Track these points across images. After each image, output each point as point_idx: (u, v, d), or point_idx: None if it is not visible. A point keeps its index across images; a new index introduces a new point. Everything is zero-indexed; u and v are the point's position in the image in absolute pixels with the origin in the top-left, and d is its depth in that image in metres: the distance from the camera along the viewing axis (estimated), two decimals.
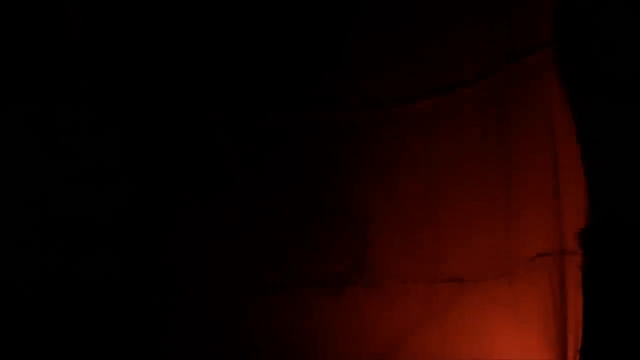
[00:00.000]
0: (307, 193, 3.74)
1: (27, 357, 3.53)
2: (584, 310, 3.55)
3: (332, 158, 3.73)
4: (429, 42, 3.66)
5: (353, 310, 3.76)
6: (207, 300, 3.71)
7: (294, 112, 3.70)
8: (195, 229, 3.68)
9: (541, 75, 3.66)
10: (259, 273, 3.73)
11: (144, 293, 3.65)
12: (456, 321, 3.76)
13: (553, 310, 3.72)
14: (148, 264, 3.67)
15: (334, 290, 3.76)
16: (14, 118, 3.56)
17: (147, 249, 3.66)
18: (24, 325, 3.54)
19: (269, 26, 3.64)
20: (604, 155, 3.55)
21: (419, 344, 3.75)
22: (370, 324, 3.76)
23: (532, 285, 3.74)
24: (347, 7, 3.64)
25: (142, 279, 3.66)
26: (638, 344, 3.45)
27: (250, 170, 3.70)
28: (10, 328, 3.53)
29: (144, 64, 3.62)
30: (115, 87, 3.61)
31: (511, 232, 3.73)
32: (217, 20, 3.63)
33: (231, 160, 3.69)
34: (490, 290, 3.74)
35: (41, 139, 3.58)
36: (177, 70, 3.65)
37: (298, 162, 3.73)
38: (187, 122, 3.66)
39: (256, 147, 3.70)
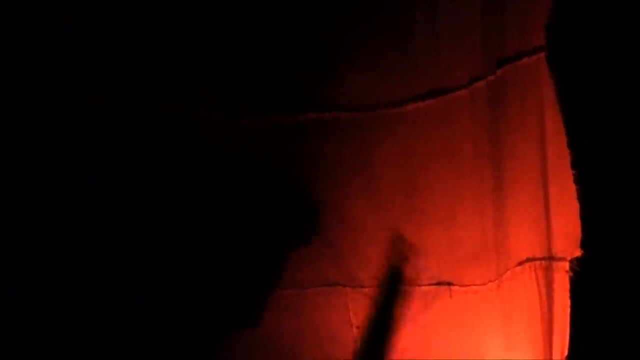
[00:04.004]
0: (294, 194, 3.65)
1: None
2: (571, 318, 3.63)
3: (318, 160, 3.67)
4: (423, 47, 3.63)
5: (340, 312, 3.68)
6: (204, 304, 3.62)
7: (284, 114, 3.60)
8: (190, 229, 3.58)
9: (533, 80, 3.67)
10: (252, 275, 3.61)
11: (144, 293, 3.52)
12: (443, 324, 3.76)
13: (540, 315, 3.75)
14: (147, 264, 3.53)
15: (320, 291, 3.67)
16: None
17: (145, 247, 3.57)
18: None
19: (258, 27, 3.55)
20: (595, 162, 3.63)
21: (402, 344, 3.72)
22: (355, 325, 3.70)
23: (520, 290, 3.77)
24: (340, 9, 3.57)
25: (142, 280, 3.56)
26: (625, 351, 3.55)
27: (239, 171, 3.58)
28: None
29: (139, 64, 3.47)
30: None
31: (500, 236, 3.74)
32: (206, 23, 3.51)
33: (219, 159, 3.55)
34: (478, 294, 3.74)
35: None
36: (168, 70, 3.52)
37: (286, 164, 3.64)
38: (178, 122, 3.54)
39: (244, 148, 3.57)
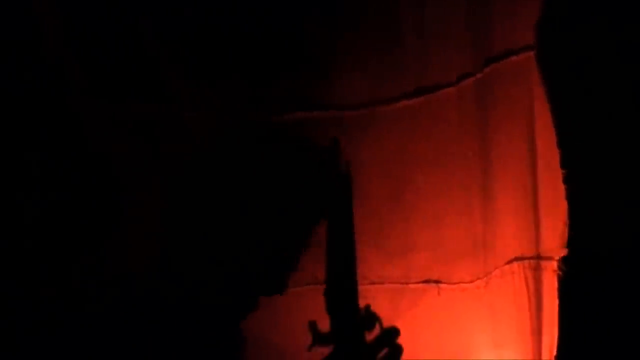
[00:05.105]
0: (283, 192, 3.63)
1: None
2: (559, 317, 3.64)
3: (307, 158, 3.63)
4: (411, 46, 3.64)
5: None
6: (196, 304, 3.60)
7: (275, 113, 3.61)
8: (182, 229, 3.57)
9: (522, 79, 3.68)
10: (244, 275, 3.59)
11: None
12: (432, 321, 3.76)
13: (529, 313, 3.76)
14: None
15: (309, 290, 3.66)
16: None
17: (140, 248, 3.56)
18: None
19: (249, 28, 3.54)
20: (584, 161, 3.64)
21: None
22: None
23: (509, 288, 3.78)
24: (330, 11, 3.56)
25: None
26: (612, 351, 3.57)
27: (230, 170, 3.56)
28: None
29: (133, 65, 3.48)
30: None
31: (488, 235, 3.75)
32: (199, 24, 3.53)
33: (208, 158, 3.53)
34: (467, 292, 3.75)
35: None
36: (161, 71, 3.52)
37: (276, 162, 3.62)
38: (171, 122, 3.55)
39: (235, 147, 3.56)
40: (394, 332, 3.19)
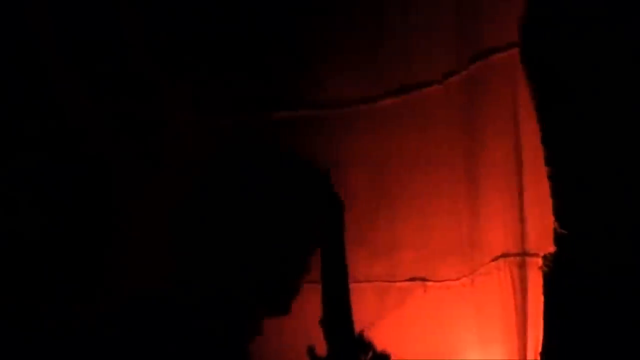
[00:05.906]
0: (269, 192, 3.62)
1: None
2: (544, 314, 3.65)
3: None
4: (396, 43, 3.64)
5: (318, 310, 3.66)
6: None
7: (258, 112, 3.61)
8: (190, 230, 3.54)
9: (507, 76, 3.69)
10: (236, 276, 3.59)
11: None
12: (418, 320, 3.77)
13: (514, 310, 3.79)
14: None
15: (307, 287, 3.65)
16: None
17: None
18: None
19: (232, 26, 3.54)
20: (569, 158, 3.65)
21: (376, 341, 3.71)
22: None
23: (494, 286, 3.80)
24: (323, 9, 3.55)
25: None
26: (597, 348, 3.59)
27: (216, 171, 3.56)
28: None
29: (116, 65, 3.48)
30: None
31: (474, 232, 3.77)
32: (182, 23, 3.52)
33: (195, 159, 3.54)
34: (452, 290, 3.76)
35: None
36: (143, 69, 3.52)
37: (261, 162, 3.61)
38: (156, 122, 3.55)
39: (220, 147, 3.56)
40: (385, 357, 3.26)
